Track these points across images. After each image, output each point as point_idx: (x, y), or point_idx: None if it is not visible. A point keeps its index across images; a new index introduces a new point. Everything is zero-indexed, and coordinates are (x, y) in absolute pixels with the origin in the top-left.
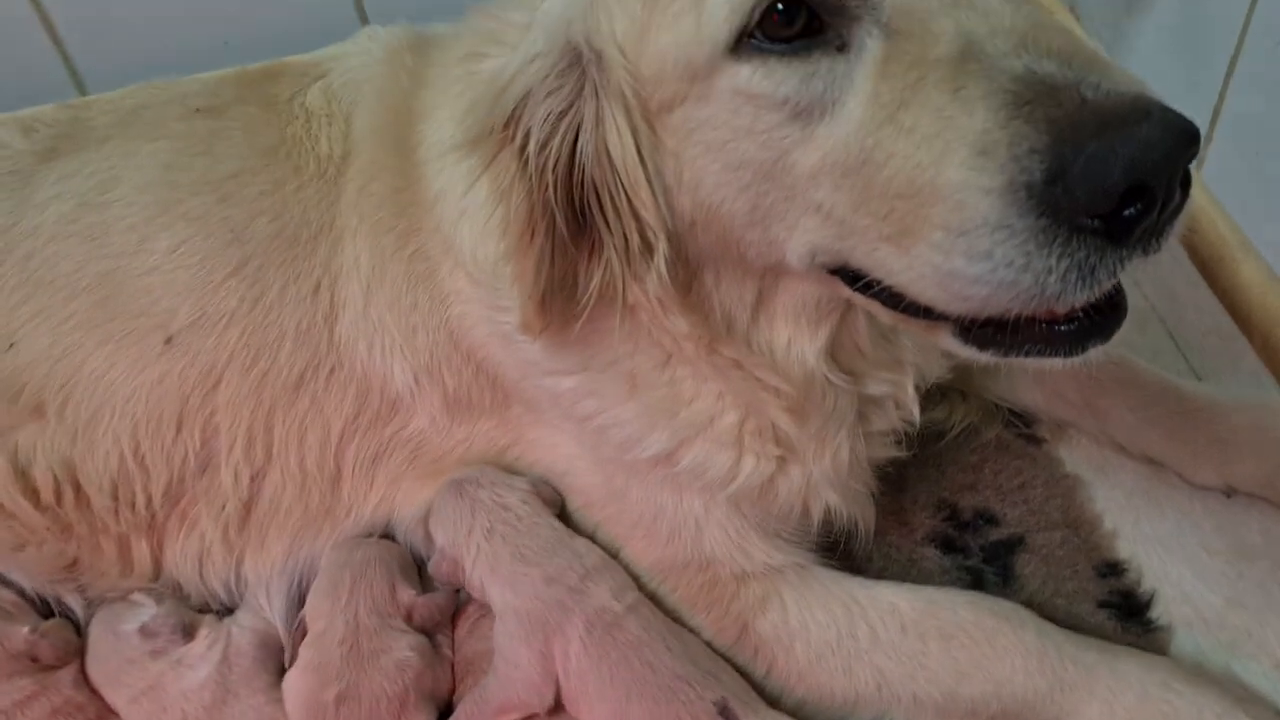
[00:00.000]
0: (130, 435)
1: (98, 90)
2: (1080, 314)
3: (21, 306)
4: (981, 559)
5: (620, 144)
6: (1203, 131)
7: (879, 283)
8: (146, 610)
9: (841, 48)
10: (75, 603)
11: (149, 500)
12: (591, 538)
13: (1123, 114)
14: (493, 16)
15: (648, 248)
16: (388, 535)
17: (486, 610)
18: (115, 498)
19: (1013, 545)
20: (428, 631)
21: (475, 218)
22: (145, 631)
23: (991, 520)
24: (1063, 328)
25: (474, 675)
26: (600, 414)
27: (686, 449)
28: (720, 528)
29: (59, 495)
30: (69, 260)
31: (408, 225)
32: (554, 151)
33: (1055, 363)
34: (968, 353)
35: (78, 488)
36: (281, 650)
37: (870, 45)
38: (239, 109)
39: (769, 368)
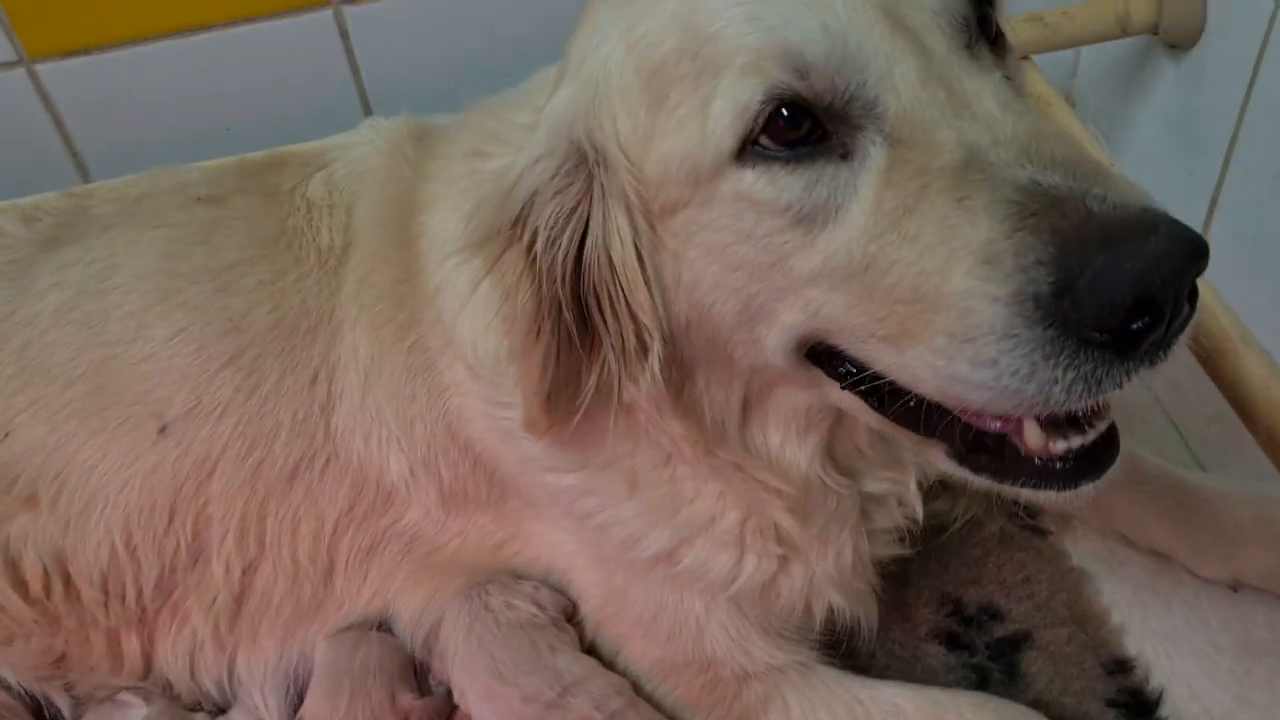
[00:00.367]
0: (122, 525)
1: (100, 174)
2: (1074, 455)
3: (17, 395)
4: (987, 656)
5: (621, 244)
6: (1201, 221)
7: (859, 369)
8: (136, 711)
9: (845, 155)
10: (63, 702)
11: (140, 593)
12: (592, 637)
13: (1130, 227)
14: (495, 115)
15: (643, 348)
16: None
17: None
18: (105, 590)
19: (1018, 642)
20: None
21: (478, 313)
22: None
23: (996, 616)
24: (1059, 465)
25: None
26: (600, 512)
27: (688, 548)
28: (721, 627)
29: (48, 587)
30: (66, 348)
31: (407, 317)
32: (562, 249)
33: (1049, 495)
34: (961, 474)
35: (67, 580)
36: None
37: (874, 154)
38: (240, 199)
39: (768, 470)
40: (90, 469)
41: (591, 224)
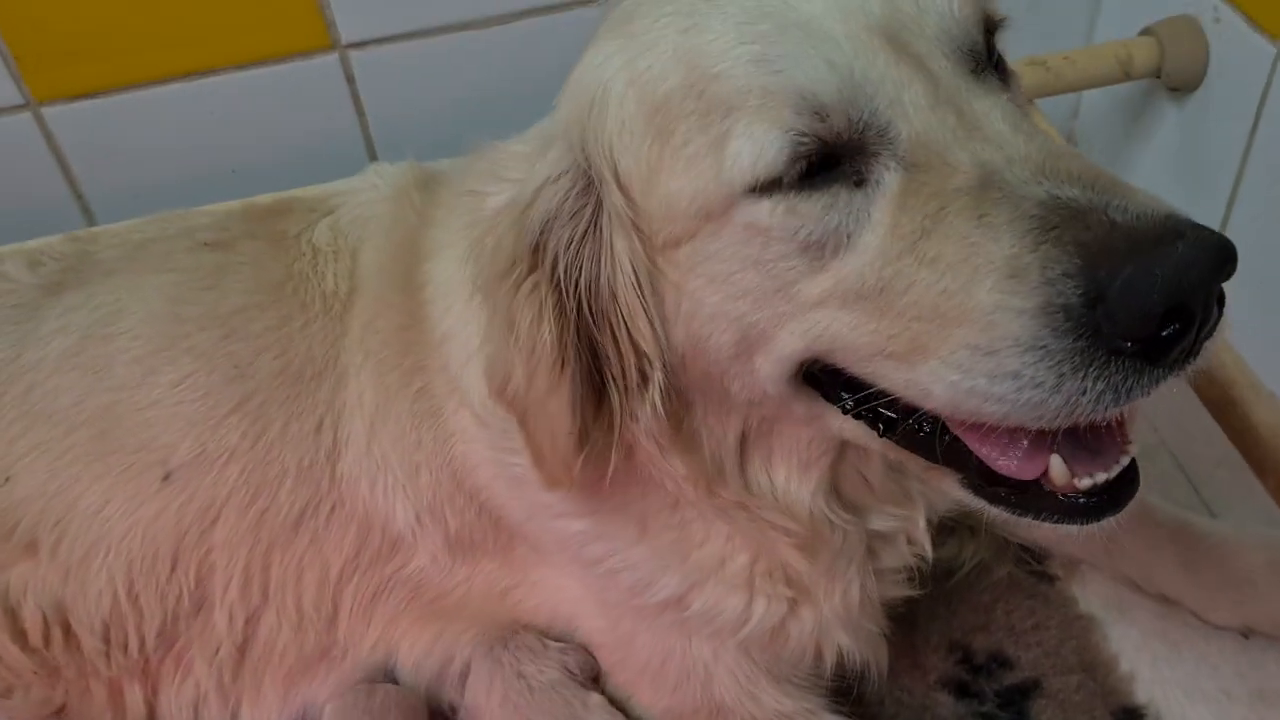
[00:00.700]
0: (124, 573)
1: (105, 217)
2: (1098, 489)
3: (20, 440)
4: (996, 705)
5: (621, 274)
6: None
7: (858, 388)
8: None
9: (860, 182)
10: None
11: (142, 642)
12: (600, 686)
13: (1156, 235)
14: (490, 157)
15: (643, 380)
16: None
17: None
18: (107, 639)
19: (1028, 690)
20: None
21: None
22: None
23: (1005, 663)
24: (1082, 500)
25: None
26: (611, 557)
27: (697, 592)
28: (730, 673)
29: (47, 637)
30: (70, 393)
31: (413, 363)
32: (582, 275)
33: (1070, 529)
34: (976, 504)
35: (67, 629)
36: None
37: (888, 179)
38: (247, 244)
39: (773, 507)
40: (92, 516)
41: (601, 251)
